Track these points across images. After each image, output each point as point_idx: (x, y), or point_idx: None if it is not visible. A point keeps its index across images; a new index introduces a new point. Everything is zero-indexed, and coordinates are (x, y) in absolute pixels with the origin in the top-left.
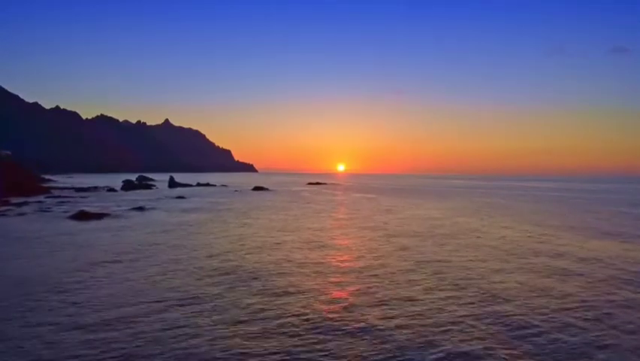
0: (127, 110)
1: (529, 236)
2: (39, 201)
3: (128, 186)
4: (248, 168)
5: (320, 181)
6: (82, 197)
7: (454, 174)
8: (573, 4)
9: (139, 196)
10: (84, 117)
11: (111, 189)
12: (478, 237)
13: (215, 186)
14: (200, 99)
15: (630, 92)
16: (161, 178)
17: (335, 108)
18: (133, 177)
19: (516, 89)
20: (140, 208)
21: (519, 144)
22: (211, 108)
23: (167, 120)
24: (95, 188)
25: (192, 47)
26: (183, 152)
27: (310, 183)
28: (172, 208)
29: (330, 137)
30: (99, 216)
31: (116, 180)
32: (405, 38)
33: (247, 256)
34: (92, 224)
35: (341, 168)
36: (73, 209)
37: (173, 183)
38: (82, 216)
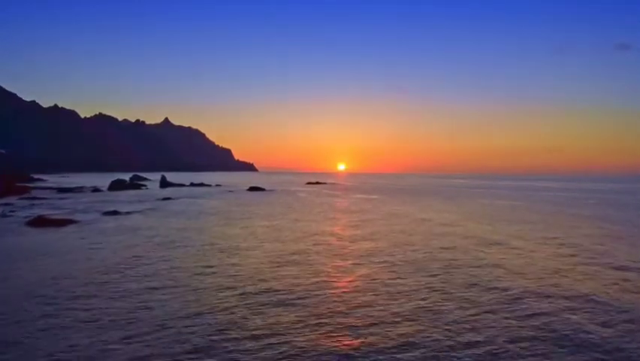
0: (126, 109)
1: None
2: (7, 204)
3: (115, 186)
4: (248, 167)
5: (320, 181)
6: (59, 198)
7: (455, 173)
8: (574, 2)
9: (123, 198)
10: (82, 116)
11: (96, 190)
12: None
13: (209, 186)
14: (200, 98)
15: (633, 90)
16: (156, 178)
17: (335, 107)
18: (130, 176)
19: (518, 87)
20: (114, 213)
21: (519, 143)
22: (211, 107)
23: (166, 119)
24: (81, 188)
25: (192, 45)
26: (183, 151)
27: (309, 183)
28: (150, 212)
29: (330, 136)
30: (60, 222)
31: (111, 179)
32: (406, 36)
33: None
34: (42, 233)
35: (341, 167)
36: (38, 213)
37: (164, 183)
38: (38, 223)
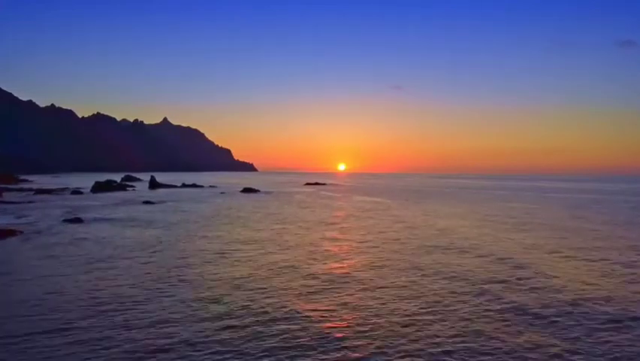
0: (124, 109)
1: None
2: None
3: (99, 187)
4: (248, 167)
5: (319, 181)
6: (29, 202)
7: (456, 173)
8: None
9: (100, 201)
10: (80, 116)
11: (77, 192)
12: None
13: (202, 187)
14: (200, 98)
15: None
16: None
17: (335, 107)
18: (122, 176)
19: (518, 86)
20: (77, 220)
21: (519, 143)
22: (211, 107)
23: (165, 119)
24: (63, 190)
25: (191, 45)
26: (182, 151)
27: (308, 184)
28: (122, 218)
29: (330, 136)
30: (2, 233)
31: (104, 179)
32: (405, 35)
33: None
34: None
35: (342, 167)
36: None
37: (154, 184)
38: None
